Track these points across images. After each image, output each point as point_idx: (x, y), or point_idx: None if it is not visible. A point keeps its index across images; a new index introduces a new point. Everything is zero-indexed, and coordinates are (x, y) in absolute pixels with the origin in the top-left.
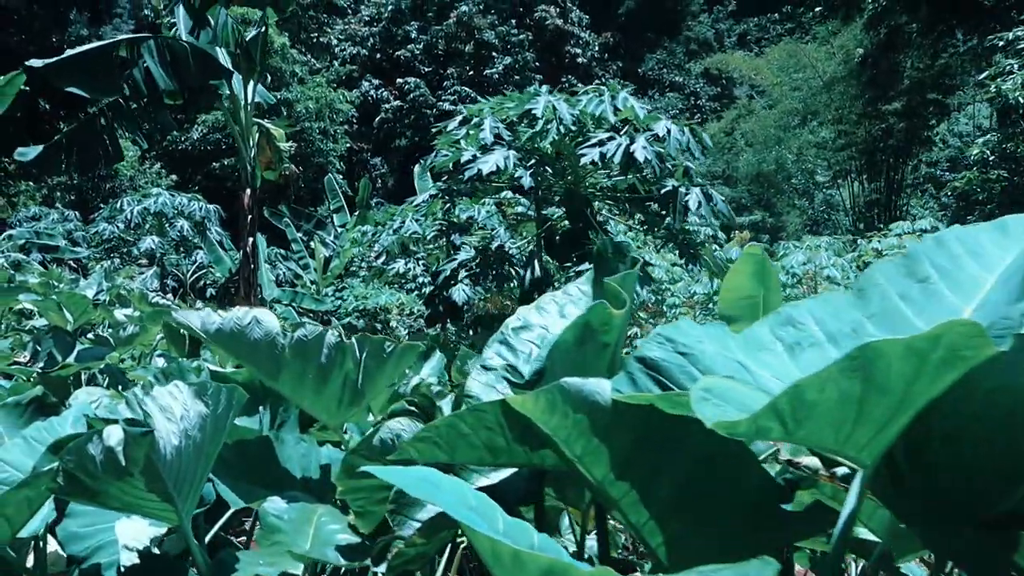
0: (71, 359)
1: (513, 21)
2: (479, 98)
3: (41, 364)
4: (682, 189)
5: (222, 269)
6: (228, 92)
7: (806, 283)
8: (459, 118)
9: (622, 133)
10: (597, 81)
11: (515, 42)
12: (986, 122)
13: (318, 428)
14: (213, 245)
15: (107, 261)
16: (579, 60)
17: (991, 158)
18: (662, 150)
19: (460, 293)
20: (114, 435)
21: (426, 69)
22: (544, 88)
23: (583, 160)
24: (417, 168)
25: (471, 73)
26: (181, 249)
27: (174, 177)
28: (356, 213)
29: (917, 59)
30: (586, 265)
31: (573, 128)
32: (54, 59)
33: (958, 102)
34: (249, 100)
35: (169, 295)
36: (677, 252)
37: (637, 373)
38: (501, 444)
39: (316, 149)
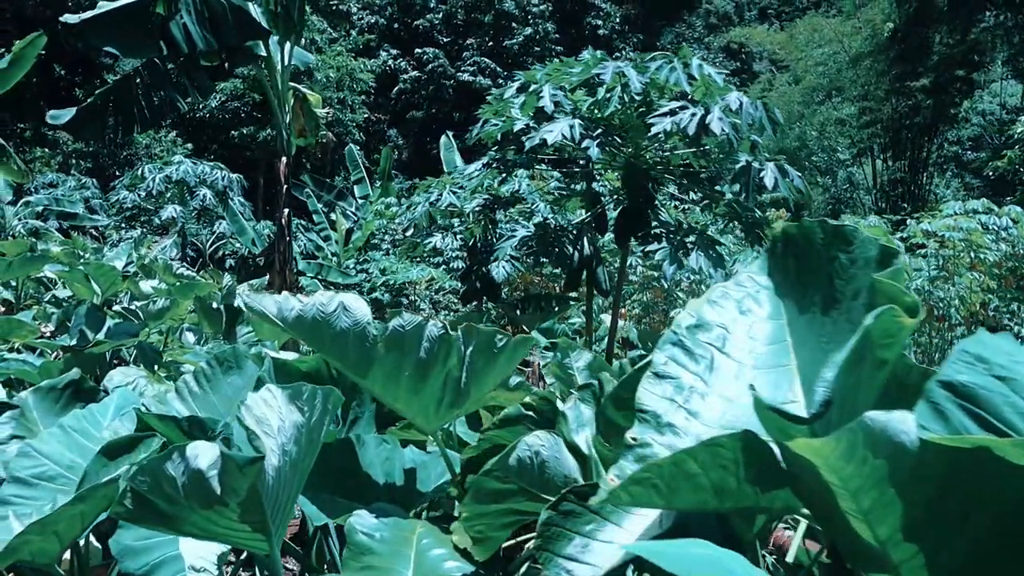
0: (101, 335)
1: None
2: (498, 69)
3: (74, 340)
4: (755, 164)
5: (245, 240)
6: (264, 53)
7: None
8: (516, 84)
9: (694, 103)
10: (617, 54)
11: (536, 12)
12: (1012, 100)
13: (401, 427)
14: (236, 215)
15: (130, 230)
16: (600, 32)
17: None
18: (738, 122)
19: (500, 270)
20: (204, 456)
21: (444, 39)
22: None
23: (654, 130)
24: (444, 140)
25: (490, 44)
26: (202, 219)
27: (189, 146)
28: (378, 184)
29: (946, 34)
30: (656, 244)
31: (638, 96)
32: (89, 14)
33: (985, 79)
34: (286, 62)
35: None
36: (741, 231)
37: (945, 403)
38: (731, 485)
39: (335, 119)
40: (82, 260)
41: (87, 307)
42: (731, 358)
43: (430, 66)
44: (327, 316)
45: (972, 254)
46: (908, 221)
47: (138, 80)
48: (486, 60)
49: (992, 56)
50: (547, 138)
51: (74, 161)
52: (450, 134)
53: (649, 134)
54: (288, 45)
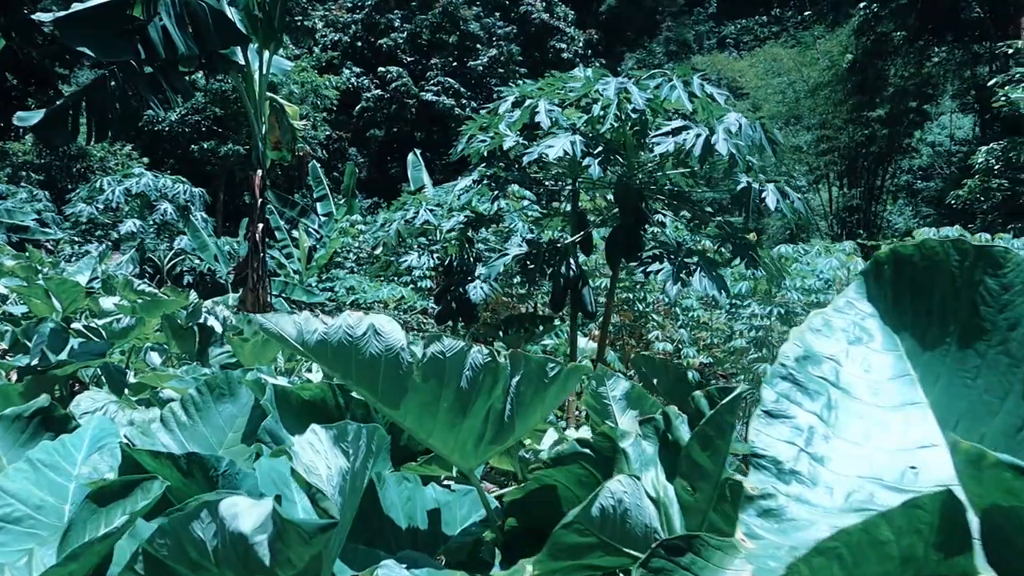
0: (64, 355)
1: (498, 13)
2: (462, 90)
3: (35, 360)
4: (755, 185)
5: (207, 256)
6: (242, 61)
7: (836, 288)
8: (511, 99)
9: (690, 122)
10: None
11: (500, 35)
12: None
13: (423, 462)
14: (198, 231)
15: (85, 244)
16: (564, 55)
17: (996, 167)
18: (742, 144)
19: (478, 291)
20: (247, 517)
21: (409, 59)
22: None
23: (658, 150)
24: (411, 157)
25: (455, 64)
26: (162, 234)
27: (146, 160)
28: (342, 202)
29: (901, 67)
30: (657, 265)
31: (634, 115)
32: (63, 13)
33: (936, 112)
34: (264, 71)
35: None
36: (731, 253)
37: None
38: (919, 553)
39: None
40: (41, 275)
41: (50, 325)
42: (849, 394)
43: (393, 85)
44: (355, 340)
45: None
46: (882, 247)
47: (112, 83)
48: (450, 80)
49: (943, 89)
50: (548, 154)
51: (24, 173)
52: (417, 152)
53: (654, 154)
54: (267, 53)
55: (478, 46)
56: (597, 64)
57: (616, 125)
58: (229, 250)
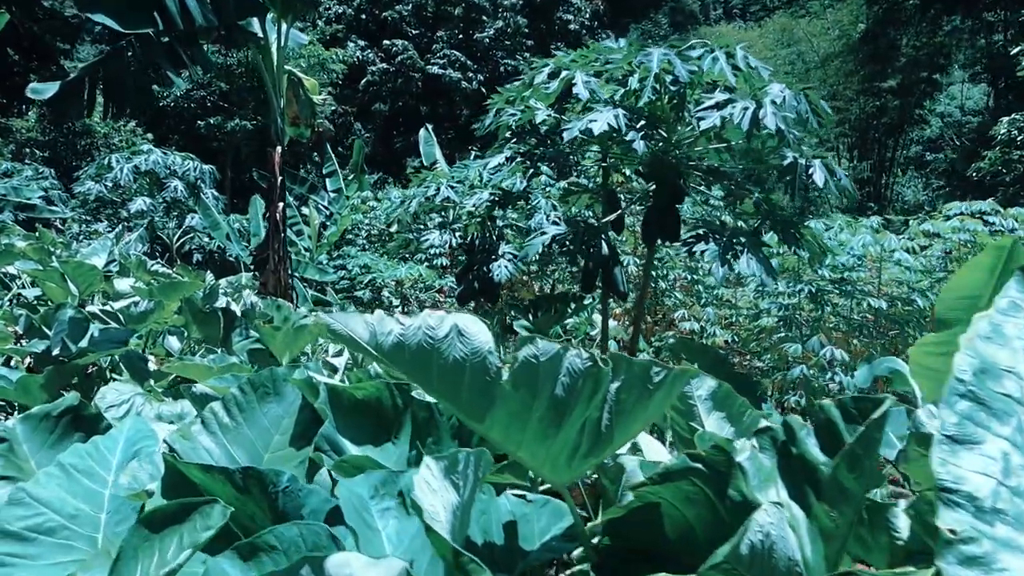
0: (84, 342)
1: None
2: (468, 62)
3: (56, 349)
4: (802, 161)
5: (219, 235)
6: (260, 32)
7: (867, 265)
8: (546, 70)
9: (729, 94)
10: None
11: (507, 6)
12: (968, 103)
13: (497, 470)
14: (209, 208)
15: (94, 223)
16: (571, 27)
17: (1020, 137)
18: (791, 116)
19: (502, 270)
20: None
21: (414, 32)
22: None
23: (703, 125)
24: (423, 133)
25: (460, 37)
26: (172, 212)
27: (150, 136)
28: (351, 177)
29: (913, 36)
30: (703, 245)
31: (673, 88)
32: None
33: (947, 82)
34: (282, 43)
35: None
36: (773, 232)
37: None
38: None
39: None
40: (55, 257)
41: (69, 312)
42: None
43: (399, 58)
44: (436, 343)
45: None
46: (909, 221)
47: (130, 54)
48: (456, 53)
49: (954, 59)
50: (593, 128)
51: (28, 151)
52: (429, 127)
53: (691, 128)
54: (284, 25)
55: (484, 18)
56: (604, 36)
57: (654, 98)
58: (239, 228)
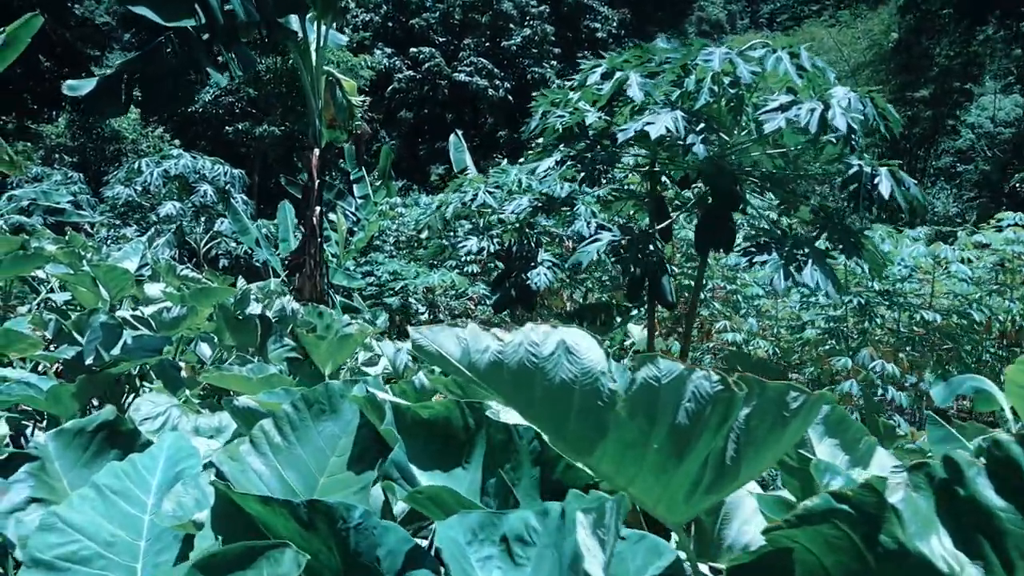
0: (117, 350)
1: None
2: (495, 70)
3: (90, 358)
4: (867, 169)
5: (248, 240)
6: (299, 31)
7: (919, 277)
8: (599, 71)
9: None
10: None
11: (534, 14)
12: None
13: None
14: (238, 213)
15: (124, 227)
16: (598, 35)
17: None
18: (861, 118)
19: (541, 277)
20: None
21: (441, 39)
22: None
23: (767, 128)
24: (453, 139)
25: (487, 45)
26: (201, 217)
27: (177, 142)
28: (378, 183)
29: (947, 47)
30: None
31: (732, 90)
32: None
33: (979, 92)
34: (321, 43)
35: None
36: (831, 241)
37: None
38: None
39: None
40: (86, 261)
41: (101, 318)
42: None
43: (426, 65)
44: (541, 361)
45: None
46: (959, 232)
47: (169, 50)
48: (483, 60)
49: (987, 69)
50: (651, 131)
51: (58, 156)
52: (459, 133)
53: (766, 130)
54: (323, 25)
55: (511, 26)
56: (631, 44)
57: (711, 100)
58: (266, 233)
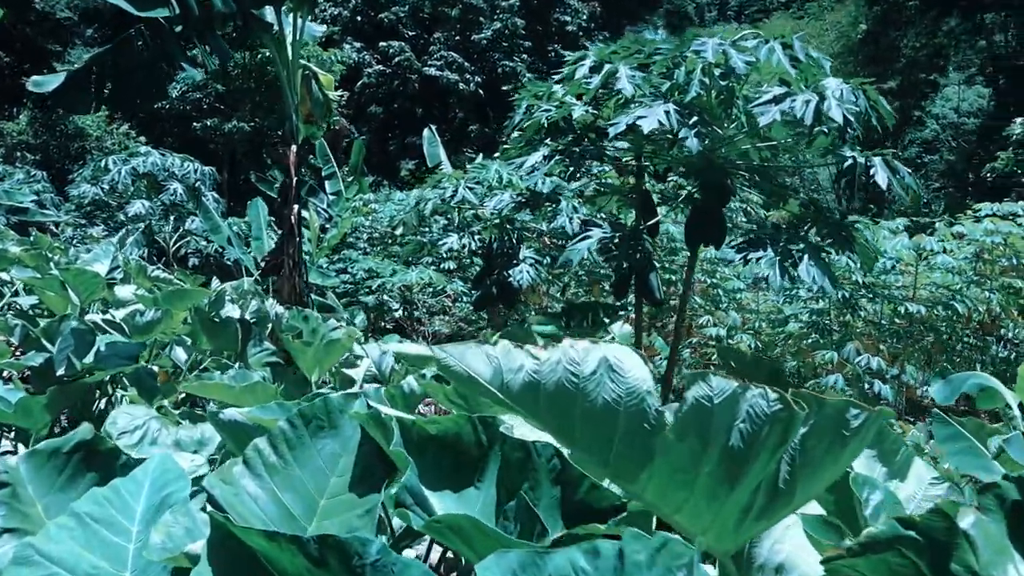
0: (90, 357)
1: None
2: (465, 64)
3: (61, 368)
4: (861, 160)
5: (219, 239)
6: (274, 23)
7: (902, 270)
8: (587, 63)
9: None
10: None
11: (504, 7)
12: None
13: (613, 524)
14: (209, 211)
15: (90, 227)
16: (568, 28)
17: None
18: (858, 110)
19: (523, 274)
20: None
21: (410, 33)
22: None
23: (762, 120)
24: (427, 133)
25: (457, 39)
26: (171, 215)
27: (143, 139)
28: (351, 179)
29: (914, 38)
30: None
31: (722, 82)
32: None
33: (944, 83)
34: (297, 36)
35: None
36: (821, 235)
37: None
38: None
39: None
40: (53, 263)
41: (73, 324)
42: None
43: (396, 60)
44: (582, 381)
45: (1014, 259)
46: (937, 223)
47: (140, 43)
48: (453, 55)
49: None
50: (643, 125)
51: (19, 154)
52: (432, 128)
53: (761, 123)
54: (299, 17)
55: (481, 19)
56: (602, 37)
57: (701, 93)
58: (237, 231)
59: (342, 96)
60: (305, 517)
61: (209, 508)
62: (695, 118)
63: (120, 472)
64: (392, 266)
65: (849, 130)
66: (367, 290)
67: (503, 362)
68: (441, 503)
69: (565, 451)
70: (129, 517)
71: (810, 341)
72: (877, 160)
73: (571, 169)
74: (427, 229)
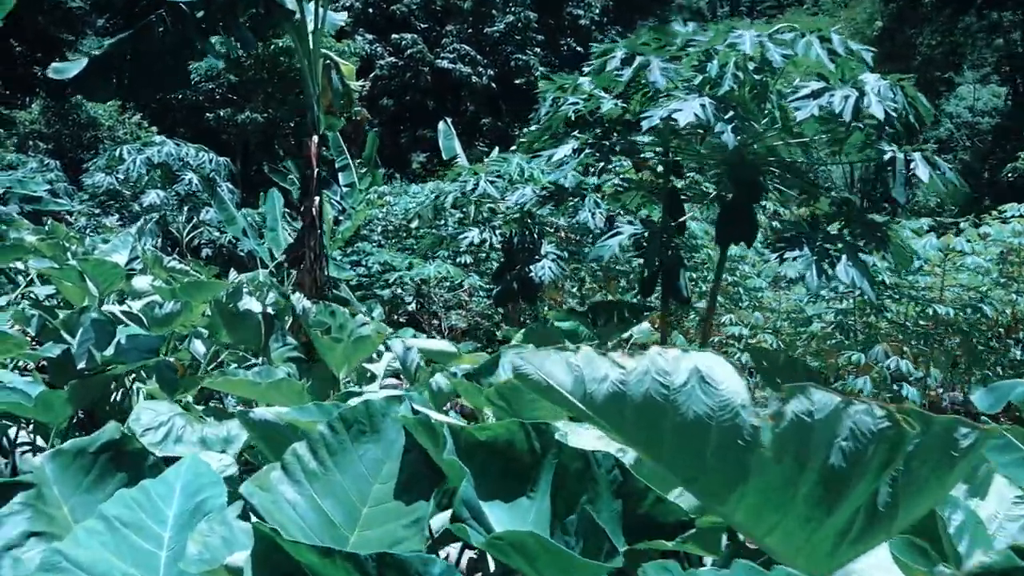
0: (110, 350)
1: None
2: (478, 57)
3: (82, 361)
4: (900, 155)
5: (235, 230)
6: (295, 10)
7: (927, 269)
8: (619, 55)
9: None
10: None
11: (517, 0)
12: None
13: (681, 541)
14: (224, 202)
15: (105, 216)
16: (581, 22)
17: None
18: (898, 106)
19: (545, 270)
20: None
21: (423, 25)
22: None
23: (799, 115)
24: (442, 126)
25: (470, 31)
26: (185, 206)
27: (155, 129)
28: (364, 171)
29: (930, 35)
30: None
31: (757, 76)
32: None
33: (960, 81)
34: (319, 24)
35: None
36: (854, 235)
37: None
38: None
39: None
40: (70, 253)
41: (92, 315)
42: None
43: (408, 52)
44: (672, 393)
45: None
46: (962, 224)
47: (161, 29)
48: (466, 47)
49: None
50: (679, 119)
51: (32, 143)
52: (448, 120)
53: (798, 118)
54: (321, 6)
55: (493, 12)
56: (615, 31)
57: (734, 87)
58: (251, 222)
59: (363, 86)
60: (347, 526)
61: (254, 520)
62: (731, 112)
63: (149, 473)
64: (409, 259)
65: (887, 127)
66: (383, 283)
67: (586, 371)
68: (492, 514)
69: (625, 460)
70: (160, 522)
71: (834, 342)
72: (917, 155)
73: (601, 164)
74: (442, 222)
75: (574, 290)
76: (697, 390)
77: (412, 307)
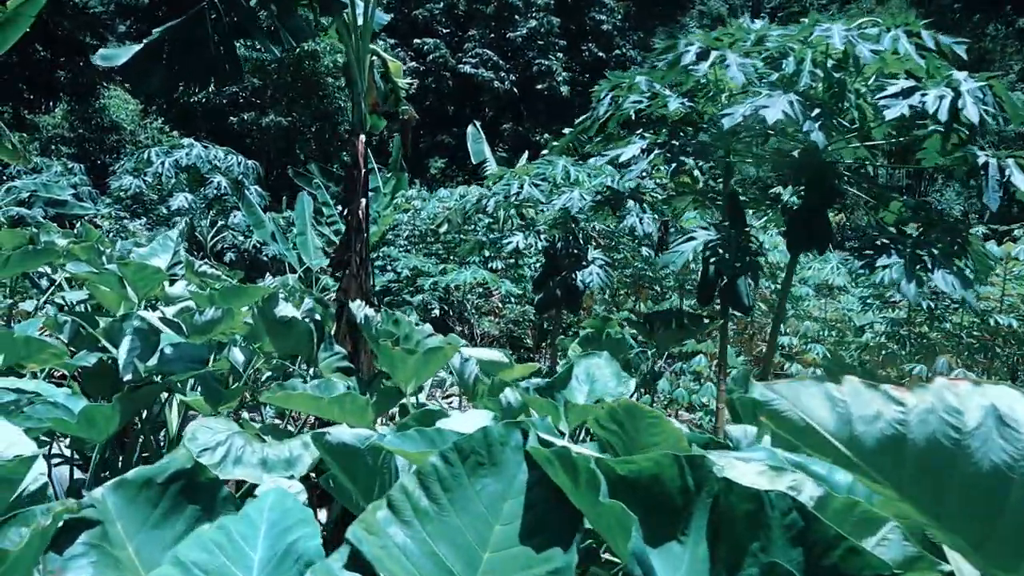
0: (153, 360)
1: None
2: (500, 62)
3: (128, 374)
4: (992, 161)
5: (263, 234)
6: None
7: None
8: (694, 50)
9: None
10: (618, 51)
11: (539, 5)
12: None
13: None
14: (253, 206)
15: (132, 220)
16: (603, 27)
17: None
18: (991, 109)
19: (595, 278)
20: None
21: (445, 30)
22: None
23: (888, 115)
24: (471, 130)
25: (492, 36)
26: (212, 209)
27: (176, 133)
28: (390, 176)
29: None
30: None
31: (836, 73)
32: None
33: None
34: (368, 19)
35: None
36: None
37: None
38: None
39: (337, 107)
40: (105, 256)
41: (135, 323)
42: None
43: (430, 57)
44: (963, 437)
45: None
46: (1016, 230)
47: (214, 16)
48: (488, 52)
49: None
50: (767, 116)
51: (55, 147)
52: (477, 124)
53: (887, 118)
54: (369, 2)
55: (516, 17)
56: (637, 37)
57: (813, 85)
58: (278, 226)
59: (411, 85)
60: (466, 574)
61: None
62: (817, 110)
63: (223, 507)
64: (441, 265)
65: (985, 129)
66: (413, 289)
67: (853, 408)
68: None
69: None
70: (245, 567)
71: (887, 353)
72: (1011, 161)
73: (673, 165)
74: (471, 227)
75: (605, 296)
76: (994, 434)
77: (436, 313)
